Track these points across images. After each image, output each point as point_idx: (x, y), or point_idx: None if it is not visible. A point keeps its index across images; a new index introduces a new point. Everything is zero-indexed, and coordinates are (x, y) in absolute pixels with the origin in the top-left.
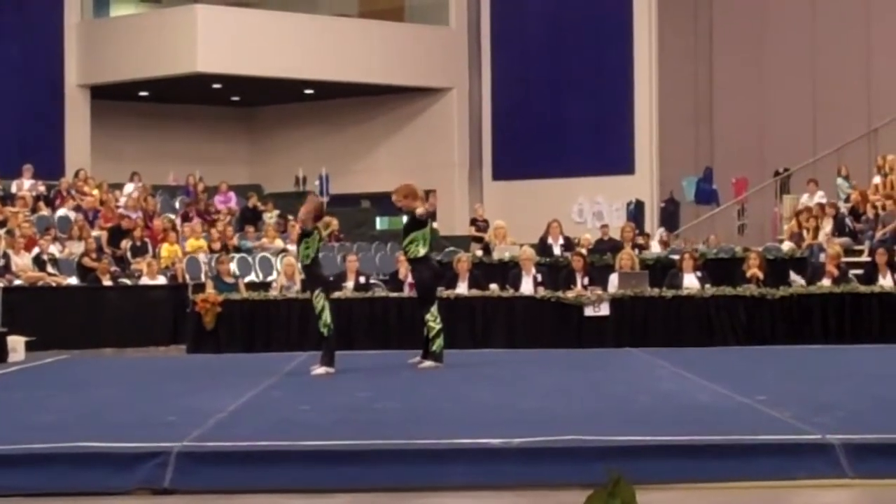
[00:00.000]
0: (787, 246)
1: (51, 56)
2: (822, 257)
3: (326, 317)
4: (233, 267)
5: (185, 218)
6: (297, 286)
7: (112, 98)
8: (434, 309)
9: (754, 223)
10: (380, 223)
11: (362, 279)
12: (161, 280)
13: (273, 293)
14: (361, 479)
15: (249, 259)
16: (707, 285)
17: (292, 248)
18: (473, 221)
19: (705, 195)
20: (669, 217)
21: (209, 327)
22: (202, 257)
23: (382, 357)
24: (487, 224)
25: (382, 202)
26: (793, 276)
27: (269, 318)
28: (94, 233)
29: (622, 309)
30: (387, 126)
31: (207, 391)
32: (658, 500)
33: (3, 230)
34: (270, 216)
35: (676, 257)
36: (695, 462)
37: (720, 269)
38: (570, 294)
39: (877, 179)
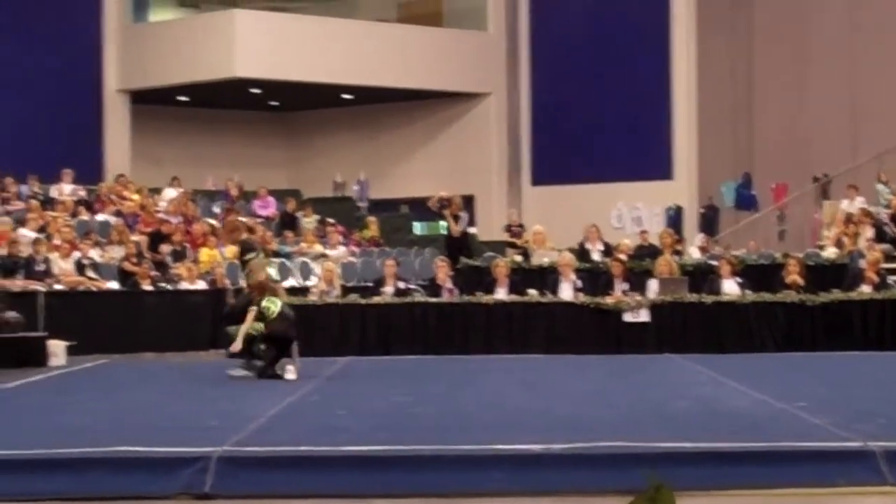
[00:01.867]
0: (832, 252)
1: (90, 61)
2: (862, 263)
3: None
4: (272, 272)
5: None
6: (337, 291)
7: (152, 103)
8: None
9: (794, 229)
10: (418, 228)
11: (401, 284)
12: (201, 285)
13: (312, 298)
14: (399, 484)
15: (288, 264)
16: (747, 291)
17: (332, 252)
18: (508, 227)
19: (745, 201)
20: (709, 223)
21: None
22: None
23: (420, 362)
24: (522, 229)
25: (420, 207)
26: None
27: (308, 322)
28: (134, 237)
29: (661, 315)
30: (425, 131)
31: (247, 396)
32: None
33: (44, 235)
34: (310, 221)
35: (716, 263)
36: (735, 468)
37: (760, 275)
38: (609, 300)
39: None
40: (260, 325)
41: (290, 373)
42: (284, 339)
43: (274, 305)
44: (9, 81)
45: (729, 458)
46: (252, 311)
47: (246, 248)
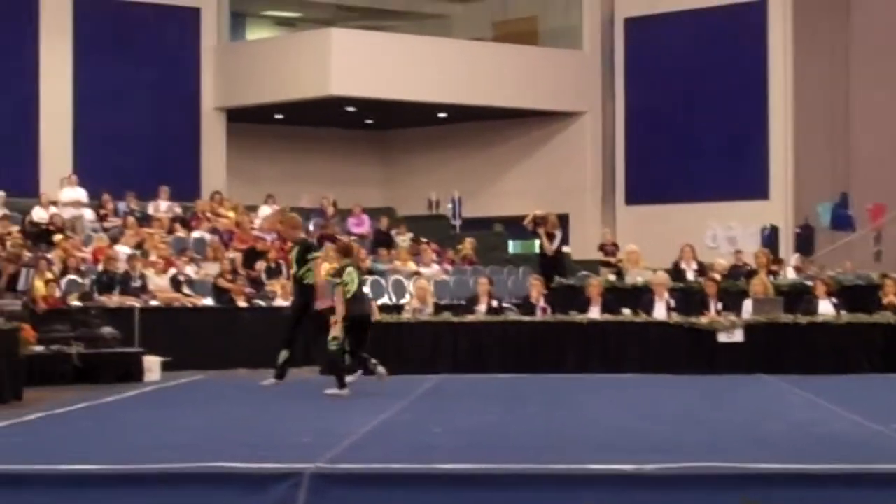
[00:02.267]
0: None
1: (187, 79)
2: None
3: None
4: (366, 290)
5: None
6: (430, 309)
7: (248, 121)
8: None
9: (891, 249)
10: (512, 247)
11: (494, 303)
12: None
13: (406, 316)
14: (492, 503)
15: (382, 281)
16: (842, 312)
17: (425, 270)
18: (602, 246)
19: (842, 221)
20: (805, 243)
21: None
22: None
23: (513, 381)
24: (617, 248)
25: (515, 226)
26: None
27: (401, 340)
28: (229, 254)
29: (756, 335)
30: (520, 150)
31: (340, 413)
32: None
33: (140, 251)
34: (404, 239)
35: (811, 284)
36: (829, 491)
37: (856, 296)
38: (703, 320)
39: None
40: (335, 343)
41: (380, 372)
42: (361, 322)
43: (352, 283)
44: (107, 99)
45: (822, 481)
46: (339, 287)
47: (307, 246)
